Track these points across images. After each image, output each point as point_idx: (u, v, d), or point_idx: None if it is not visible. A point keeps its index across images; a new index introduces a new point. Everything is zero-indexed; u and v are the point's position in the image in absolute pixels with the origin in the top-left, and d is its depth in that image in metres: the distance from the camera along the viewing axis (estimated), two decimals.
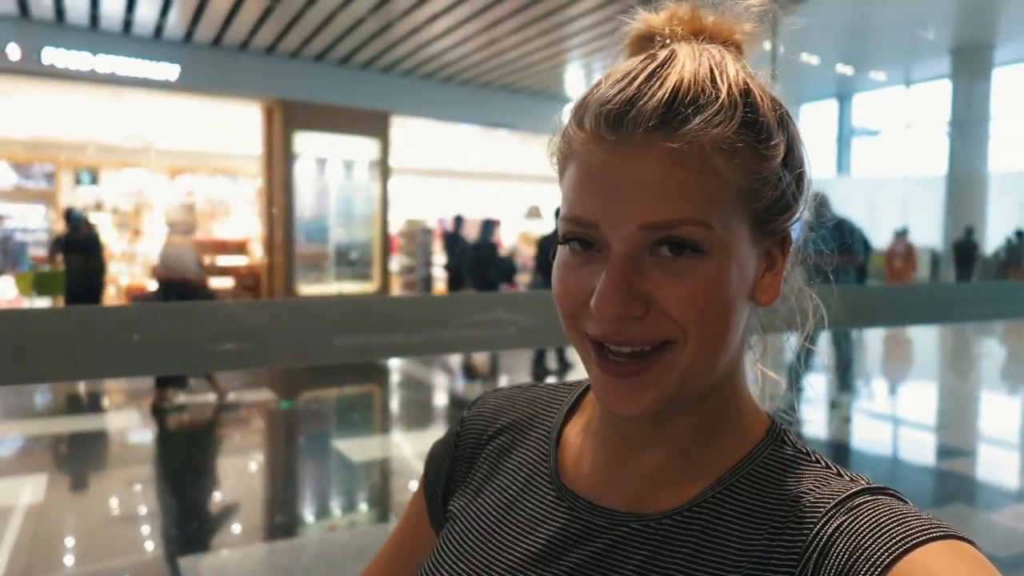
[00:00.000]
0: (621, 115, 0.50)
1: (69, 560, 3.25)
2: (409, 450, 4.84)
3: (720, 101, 0.50)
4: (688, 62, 0.51)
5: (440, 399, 6.99)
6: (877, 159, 19.69)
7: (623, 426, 0.60)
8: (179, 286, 5.75)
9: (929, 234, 14.80)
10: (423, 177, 16.73)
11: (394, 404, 6.87)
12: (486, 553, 0.62)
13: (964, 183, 14.51)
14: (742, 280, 0.53)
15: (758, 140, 0.52)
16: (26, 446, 5.24)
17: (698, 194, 0.50)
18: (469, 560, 0.63)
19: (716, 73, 0.51)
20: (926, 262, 14.26)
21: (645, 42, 0.56)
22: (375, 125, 11.10)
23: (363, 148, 11.14)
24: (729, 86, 0.51)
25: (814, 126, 20.84)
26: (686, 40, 0.54)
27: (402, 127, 11.71)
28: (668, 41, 0.54)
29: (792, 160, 0.55)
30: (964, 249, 13.13)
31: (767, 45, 0.60)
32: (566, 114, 0.57)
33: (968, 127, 14.54)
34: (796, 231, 0.59)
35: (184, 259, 5.84)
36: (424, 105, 11.34)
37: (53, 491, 4.12)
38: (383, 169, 11.32)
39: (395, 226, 12.70)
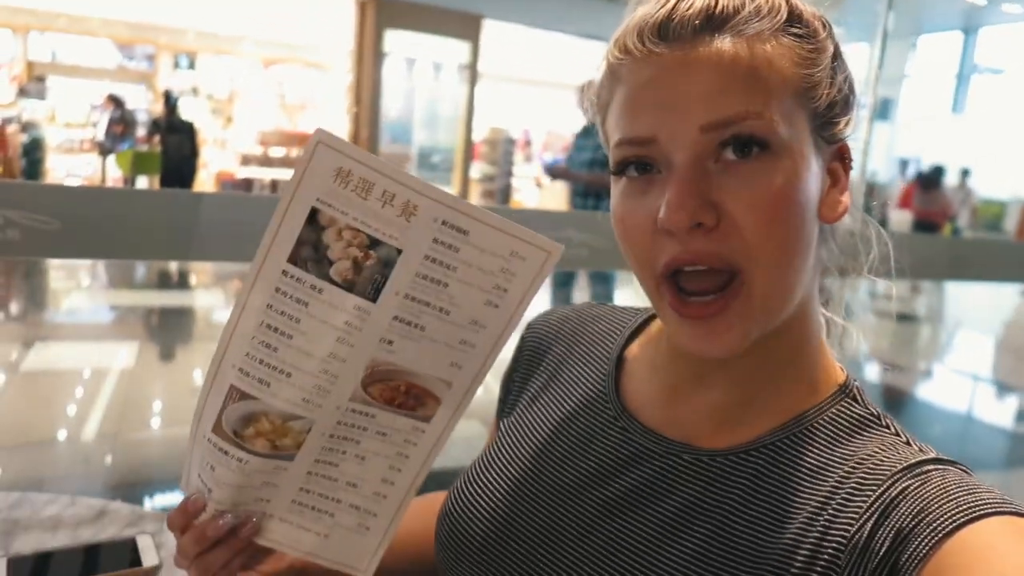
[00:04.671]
0: (665, 24, 0.50)
1: (155, 422, 3.52)
2: None
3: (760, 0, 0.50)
4: None
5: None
6: (999, 99, 18.23)
7: (689, 363, 0.59)
8: None
9: None
10: (511, 84, 16.43)
11: None
12: (539, 467, 0.63)
13: None
14: (811, 187, 0.52)
15: (805, 38, 0.51)
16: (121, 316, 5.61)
17: (757, 87, 0.49)
18: (521, 470, 0.64)
19: None
20: None
21: None
22: (467, 27, 10.88)
23: (453, 50, 10.97)
24: None
25: (930, 60, 19.35)
26: None
27: (494, 31, 11.44)
28: None
29: (841, 64, 0.54)
30: None
31: None
32: (601, 65, 0.56)
33: None
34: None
35: None
36: (518, 10, 11.00)
37: (144, 357, 4.42)
38: (472, 73, 11.16)
39: (479, 133, 12.62)
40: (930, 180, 8.88)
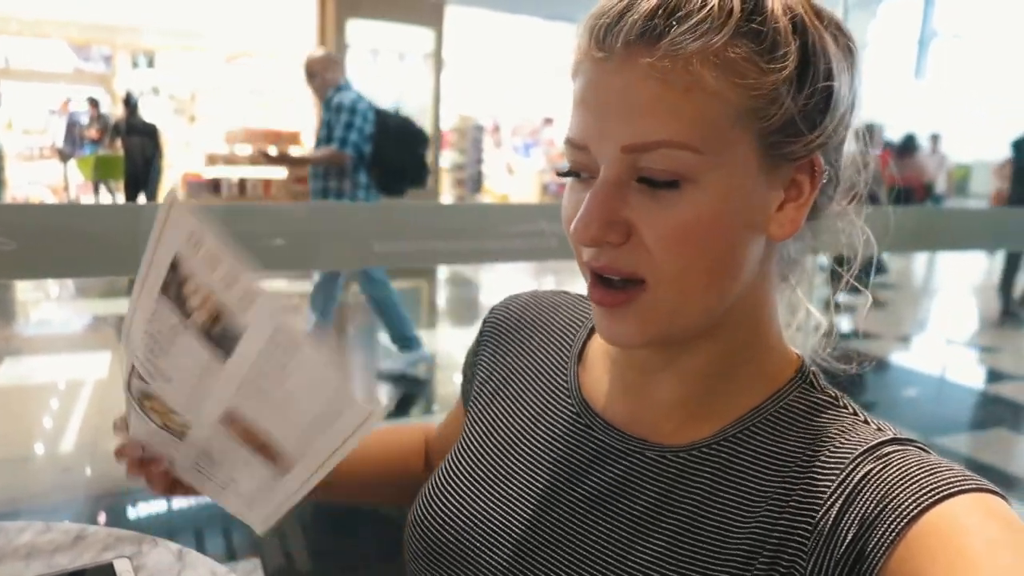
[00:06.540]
0: (607, 28, 0.48)
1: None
2: (453, 345, 4.95)
3: (708, 9, 0.46)
4: None
5: (488, 299, 7.09)
6: (959, 63, 18.43)
7: (640, 357, 0.59)
8: None
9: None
10: (477, 71, 16.33)
11: (441, 300, 7.00)
12: (507, 471, 0.63)
13: None
14: (747, 210, 0.50)
15: (759, 51, 0.47)
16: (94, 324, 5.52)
17: (684, 113, 0.46)
18: (488, 474, 0.64)
19: None
20: None
21: None
22: (430, 14, 10.78)
23: (417, 38, 10.87)
24: None
25: (893, 26, 19.52)
26: None
27: (457, 17, 11.35)
28: None
29: (811, 76, 0.49)
30: None
31: None
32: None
33: None
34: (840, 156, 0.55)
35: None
36: None
37: (117, 366, 4.36)
38: (437, 61, 11.07)
39: (447, 122, 12.53)
40: (904, 148, 9.26)
